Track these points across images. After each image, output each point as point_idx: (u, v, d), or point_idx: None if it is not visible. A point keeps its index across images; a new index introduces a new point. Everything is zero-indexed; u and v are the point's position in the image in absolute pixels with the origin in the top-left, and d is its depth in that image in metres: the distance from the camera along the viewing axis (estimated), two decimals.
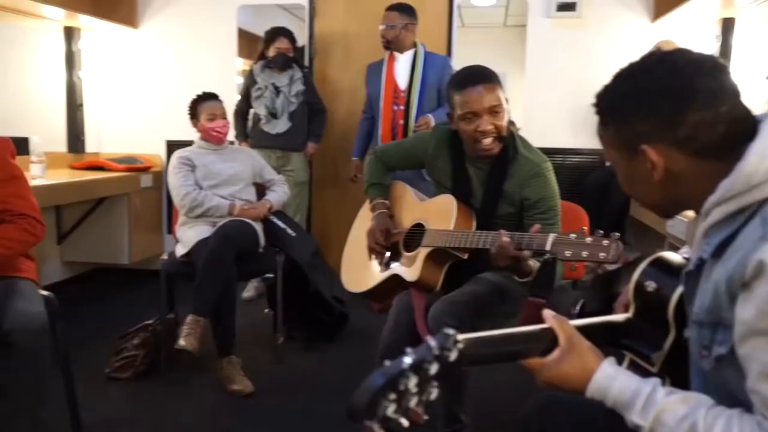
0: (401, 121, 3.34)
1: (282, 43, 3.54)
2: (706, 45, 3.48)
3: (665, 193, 0.94)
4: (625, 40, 3.63)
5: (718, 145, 0.87)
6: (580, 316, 2.05)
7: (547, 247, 1.51)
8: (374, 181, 2.18)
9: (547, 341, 0.98)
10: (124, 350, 2.64)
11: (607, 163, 3.69)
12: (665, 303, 1.00)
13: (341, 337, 3.11)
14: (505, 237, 1.58)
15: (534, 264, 1.69)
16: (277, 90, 3.56)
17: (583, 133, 3.72)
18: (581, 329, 1.01)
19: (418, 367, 0.77)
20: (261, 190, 3.00)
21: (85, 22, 3.90)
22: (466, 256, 1.87)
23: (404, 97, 3.34)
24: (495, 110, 1.82)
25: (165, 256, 2.79)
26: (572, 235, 1.48)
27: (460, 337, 0.84)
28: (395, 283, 1.99)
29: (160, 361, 2.68)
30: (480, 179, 1.95)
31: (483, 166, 1.94)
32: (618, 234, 1.45)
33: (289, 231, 2.96)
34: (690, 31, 3.49)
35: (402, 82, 3.37)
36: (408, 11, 3.33)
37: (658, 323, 1.00)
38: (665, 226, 2.56)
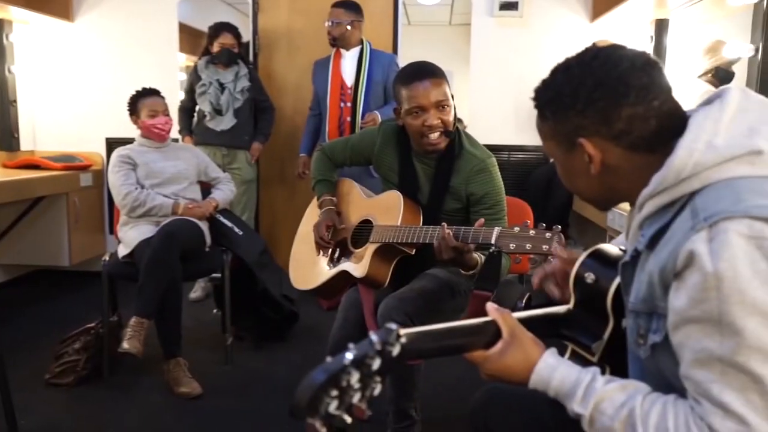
0: (348, 118, 3.33)
1: (226, 39, 3.47)
2: (641, 45, 3.61)
3: (602, 186, 0.96)
4: (565, 39, 3.72)
5: (651, 138, 0.89)
6: (527, 309, 2.11)
7: (493, 241, 1.55)
8: (321, 177, 2.18)
9: (491, 334, 0.98)
10: (65, 355, 2.55)
11: (551, 160, 3.79)
12: (604, 294, 1.02)
13: (291, 336, 3.09)
14: (446, 229, 1.61)
15: (479, 257, 1.73)
16: (221, 86, 3.49)
17: (527, 130, 3.81)
18: (523, 321, 1.03)
19: (360, 363, 0.77)
20: (206, 188, 2.94)
21: (17, 14, 3.72)
22: (413, 252, 1.89)
23: (351, 94, 3.34)
24: (442, 105, 1.84)
25: (106, 257, 2.70)
26: (516, 229, 1.53)
27: (402, 331, 0.84)
28: (344, 279, 2.00)
29: (102, 366, 2.60)
30: (426, 175, 1.97)
31: (429, 161, 1.96)
32: (560, 226, 1.50)
33: (236, 230, 2.91)
34: (626, 31, 3.60)
35: (348, 79, 3.36)
36: (354, 8, 3.32)
37: (597, 314, 1.03)
38: (606, 220, 2.65)
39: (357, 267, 1.93)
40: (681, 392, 0.85)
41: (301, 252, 2.21)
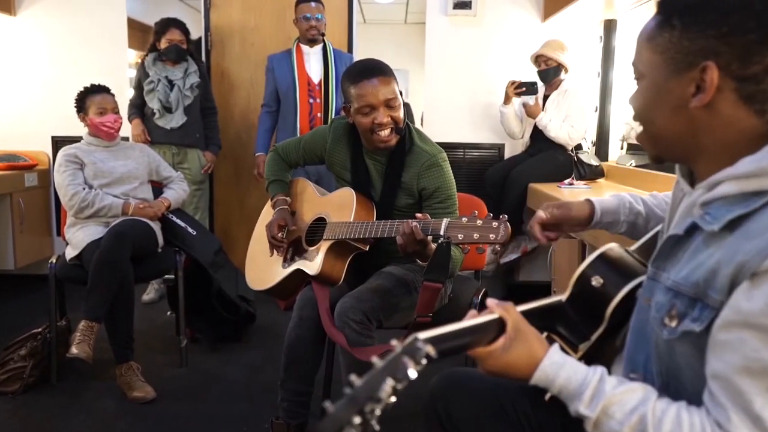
0: (319, 114, 3.34)
1: (174, 35, 3.39)
2: (591, 44, 3.70)
3: (685, 127, 0.86)
4: (517, 38, 3.77)
5: None
6: (482, 303, 2.14)
7: (441, 232, 1.57)
8: (274, 177, 2.16)
9: (495, 330, 0.94)
10: (10, 362, 2.46)
11: (506, 157, 3.85)
12: (607, 301, 0.97)
13: (248, 337, 3.06)
14: (413, 223, 1.62)
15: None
16: (170, 83, 3.42)
17: (482, 127, 3.85)
18: (524, 314, 0.97)
19: (393, 391, 0.72)
20: (158, 188, 2.88)
21: None
22: (367, 248, 1.90)
23: (320, 91, 3.34)
24: (391, 103, 1.85)
25: (53, 260, 2.62)
26: (464, 219, 1.56)
27: (430, 349, 0.77)
28: (299, 278, 1.98)
29: (50, 372, 2.52)
30: (378, 171, 1.98)
31: (380, 158, 1.96)
32: (506, 216, 1.53)
33: (190, 229, 2.86)
34: (576, 31, 3.68)
35: (315, 75, 3.37)
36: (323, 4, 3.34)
37: (591, 315, 0.99)
38: None
39: (311, 265, 1.92)
40: (684, 385, 0.84)
41: (257, 252, 2.18)
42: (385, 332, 1.87)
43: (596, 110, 3.66)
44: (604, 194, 3.06)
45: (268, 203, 2.22)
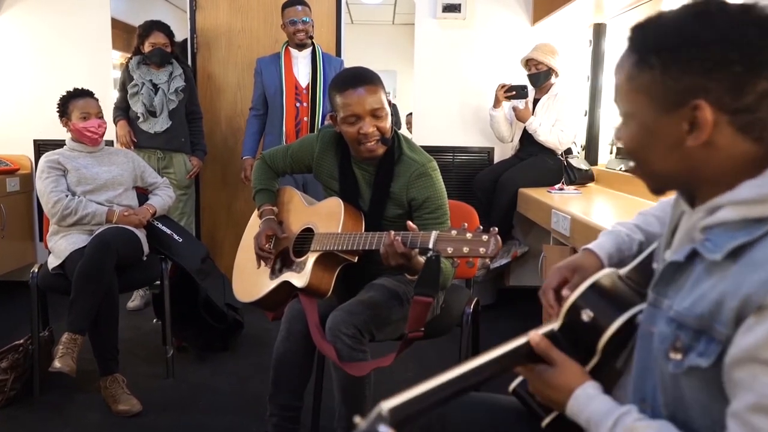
0: (305, 118, 3.31)
1: (157, 38, 3.33)
2: (581, 48, 3.69)
3: (683, 164, 0.83)
4: (507, 41, 3.75)
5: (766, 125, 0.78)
6: (475, 312, 2.11)
7: (430, 245, 1.54)
8: (261, 186, 2.12)
9: (524, 355, 0.97)
10: None
11: (496, 161, 3.82)
12: (599, 334, 0.95)
13: (236, 346, 3.01)
14: (394, 234, 1.59)
15: (423, 261, 1.72)
16: (155, 87, 3.36)
17: (471, 131, 3.83)
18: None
19: None
20: (143, 194, 2.82)
21: None
22: (356, 260, 1.86)
23: (307, 95, 3.31)
24: (377, 113, 1.82)
25: (35, 269, 2.56)
26: (454, 232, 1.53)
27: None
28: (286, 290, 1.94)
29: (33, 385, 2.46)
30: (367, 181, 1.94)
31: (369, 168, 1.93)
32: (496, 229, 1.50)
33: (176, 237, 2.80)
34: (566, 35, 3.67)
35: (303, 79, 3.33)
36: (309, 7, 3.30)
37: (583, 348, 0.97)
38: (550, 222, 2.68)
39: (299, 277, 1.88)
40: (692, 419, 0.81)
41: (244, 263, 2.14)
42: (377, 345, 1.83)
43: (586, 114, 3.65)
44: (593, 199, 3.06)
45: (255, 212, 2.17)
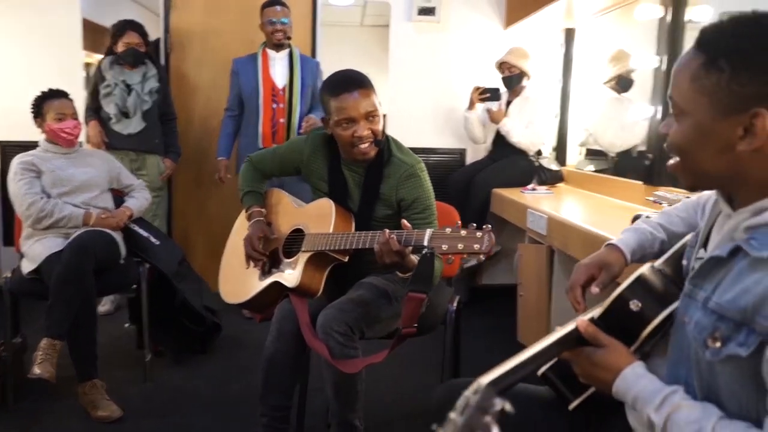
0: (282, 120, 3.31)
1: (131, 38, 3.28)
2: (552, 52, 3.78)
3: (730, 167, 0.86)
4: (481, 44, 3.82)
5: None
6: (458, 310, 2.14)
7: (425, 242, 1.56)
8: (249, 189, 2.12)
9: (573, 341, 1.02)
10: None
11: (468, 162, 3.88)
12: (645, 323, 1.01)
13: (214, 349, 2.97)
14: (389, 233, 1.62)
15: (415, 260, 1.75)
16: (128, 88, 3.30)
17: (445, 132, 3.88)
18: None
19: None
20: (118, 196, 2.78)
21: None
22: (346, 259, 1.88)
23: (283, 96, 3.31)
24: (371, 115, 1.84)
25: (8, 274, 2.49)
26: (448, 230, 1.55)
27: (497, 401, 0.75)
28: (276, 291, 1.95)
29: (6, 392, 2.39)
30: (356, 182, 1.96)
31: (359, 169, 1.95)
32: (489, 226, 1.54)
33: (153, 239, 2.77)
34: (538, 39, 3.75)
35: (279, 80, 3.33)
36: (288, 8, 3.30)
37: (625, 335, 1.02)
38: (526, 222, 2.74)
39: (289, 277, 1.89)
40: (723, 404, 0.85)
41: (232, 265, 2.13)
42: (366, 343, 1.85)
43: (556, 117, 3.74)
44: (565, 199, 3.14)
45: (243, 214, 2.17)
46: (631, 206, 2.66)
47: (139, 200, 2.76)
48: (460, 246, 1.53)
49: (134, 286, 2.64)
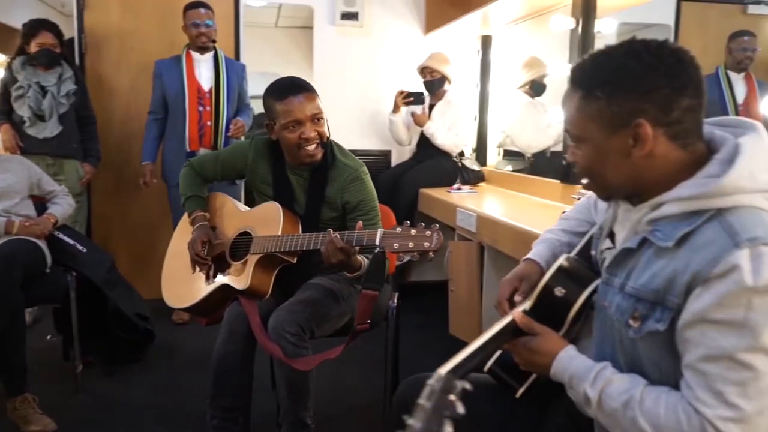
0: (209, 123, 3.27)
1: (45, 38, 3.14)
2: (470, 58, 3.96)
3: (632, 172, 1.00)
4: (402, 49, 3.95)
5: (692, 132, 0.98)
6: (398, 306, 2.24)
7: (377, 242, 1.65)
8: (191, 193, 2.12)
9: (511, 332, 1.12)
10: None
11: (393, 163, 4.00)
12: (570, 306, 1.12)
13: (146, 357, 2.91)
14: (333, 233, 1.69)
15: (362, 259, 1.83)
16: (42, 90, 3.16)
17: (370, 134, 3.98)
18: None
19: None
20: (39, 203, 2.66)
21: None
22: (294, 260, 1.93)
23: (210, 99, 3.28)
24: (317, 118, 1.92)
25: None
26: (398, 229, 1.64)
27: (458, 383, 0.85)
28: (225, 293, 1.96)
29: None
30: (301, 186, 2.02)
31: (303, 173, 2.01)
32: (437, 225, 1.64)
33: (79, 246, 2.67)
34: (457, 45, 3.92)
35: (205, 83, 3.30)
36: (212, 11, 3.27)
37: (553, 320, 1.13)
38: (455, 220, 2.88)
39: (239, 279, 1.92)
40: (647, 375, 0.98)
41: (175, 270, 2.12)
42: (315, 342, 1.90)
43: (476, 119, 3.93)
44: (489, 197, 3.32)
45: (185, 219, 2.16)
46: (550, 203, 2.87)
47: (63, 206, 2.66)
48: (411, 244, 1.62)
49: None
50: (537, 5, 3.13)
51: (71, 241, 2.66)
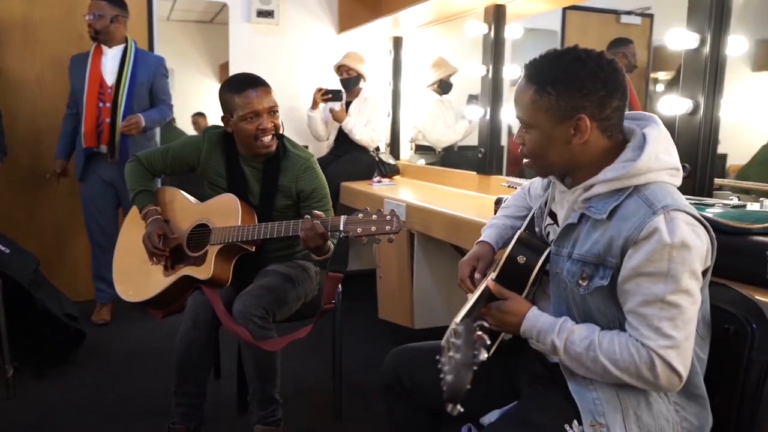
0: (107, 119, 3.17)
1: None
2: (382, 57, 4.16)
3: (570, 156, 1.22)
4: (316, 47, 4.07)
5: (617, 127, 1.21)
6: (342, 292, 2.38)
7: (341, 227, 1.78)
8: (141, 188, 2.15)
9: (487, 297, 1.31)
10: None
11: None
12: (530, 271, 1.32)
13: (76, 358, 2.84)
14: (314, 221, 1.80)
15: (330, 244, 1.96)
16: None
17: (288, 130, 4.01)
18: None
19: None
20: None
21: None
22: (253, 249, 2.03)
23: (111, 94, 3.18)
24: (273, 110, 2.05)
25: None
26: (360, 215, 1.78)
27: (478, 323, 1.00)
28: (185, 284, 2.02)
29: None
30: (255, 177, 2.11)
31: (257, 164, 2.11)
32: (395, 210, 1.80)
33: (2, 247, 2.58)
34: (369, 44, 4.10)
35: (109, 77, 3.20)
36: (118, 3, 3.18)
37: (516, 284, 1.32)
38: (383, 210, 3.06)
39: (201, 269, 1.98)
40: (597, 323, 1.20)
41: (128, 265, 2.13)
42: (277, 326, 2.01)
43: (389, 115, 4.15)
44: (407, 188, 3.54)
45: (133, 213, 2.18)
46: (468, 193, 3.13)
47: None
48: (373, 228, 1.77)
49: None
50: (447, 11, 3.37)
51: None
